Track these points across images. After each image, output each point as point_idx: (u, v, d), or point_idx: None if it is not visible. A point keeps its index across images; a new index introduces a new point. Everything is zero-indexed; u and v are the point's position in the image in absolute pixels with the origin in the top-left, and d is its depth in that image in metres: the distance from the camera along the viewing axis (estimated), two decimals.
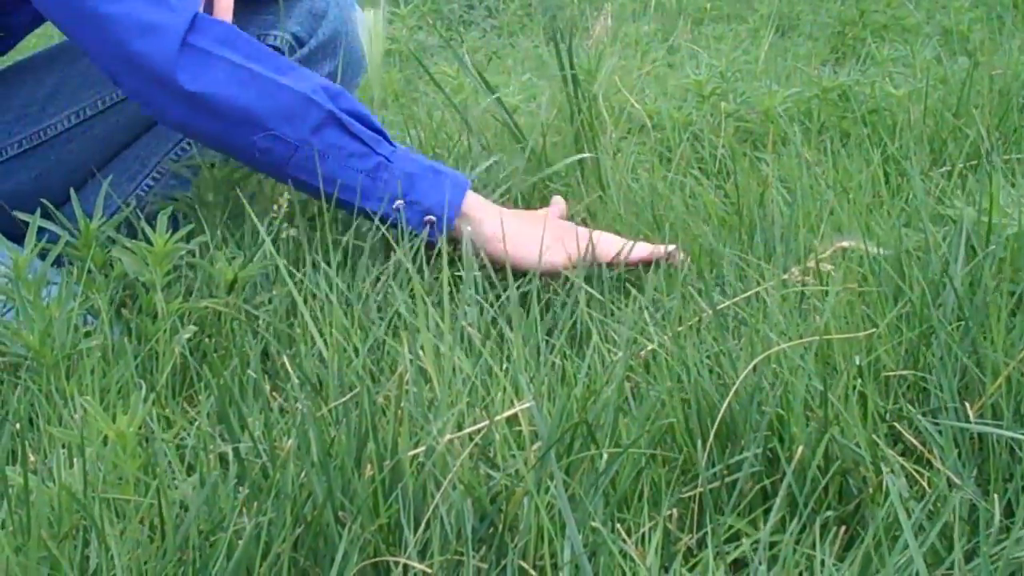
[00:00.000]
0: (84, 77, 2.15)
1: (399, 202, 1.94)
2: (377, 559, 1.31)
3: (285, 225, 1.93)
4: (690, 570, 1.30)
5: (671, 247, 1.92)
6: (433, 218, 1.94)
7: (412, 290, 1.70)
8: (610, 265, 1.91)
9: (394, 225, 1.94)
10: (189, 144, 2.13)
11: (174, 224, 1.88)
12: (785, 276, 1.73)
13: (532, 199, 2.11)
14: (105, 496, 1.31)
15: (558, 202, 2.06)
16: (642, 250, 1.92)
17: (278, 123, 1.94)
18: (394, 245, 1.89)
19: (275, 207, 1.91)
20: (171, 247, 1.73)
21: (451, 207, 1.95)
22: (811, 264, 1.74)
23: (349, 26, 2.21)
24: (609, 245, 1.93)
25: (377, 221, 1.95)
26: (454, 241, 1.96)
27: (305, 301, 1.71)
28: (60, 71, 2.16)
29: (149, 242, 1.74)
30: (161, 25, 1.89)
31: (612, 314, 1.77)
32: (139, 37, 1.89)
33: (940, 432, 1.44)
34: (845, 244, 1.78)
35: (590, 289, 1.81)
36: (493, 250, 1.94)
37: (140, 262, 1.73)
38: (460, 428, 1.40)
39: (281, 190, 2.03)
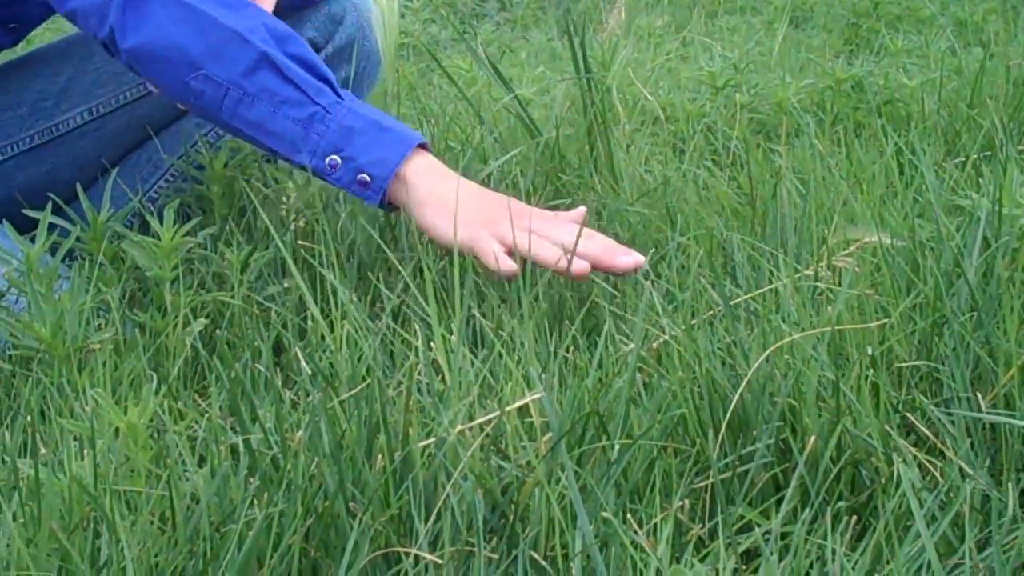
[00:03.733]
0: (99, 73, 2.14)
1: (332, 157, 1.80)
2: (388, 550, 1.31)
3: (293, 216, 1.92)
4: (701, 560, 1.29)
5: (630, 261, 1.74)
6: (367, 177, 1.80)
7: (423, 282, 1.70)
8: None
9: (335, 182, 1.80)
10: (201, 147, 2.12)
11: (183, 218, 1.88)
12: (808, 271, 1.72)
13: (545, 191, 2.10)
14: (116, 488, 1.31)
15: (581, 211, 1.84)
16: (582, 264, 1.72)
17: (208, 62, 1.81)
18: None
19: (284, 198, 1.90)
20: (178, 240, 1.72)
21: (385, 165, 1.78)
22: (836, 262, 1.74)
23: (366, 31, 2.18)
24: (546, 249, 1.73)
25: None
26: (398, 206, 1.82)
27: (315, 295, 1.71)
28: (74, 65, 2.16)
29: (157, 236, 1.74)
30: None
31: (624, 305, 1.76)
32: None
33: (953, 422, 1.43)
34: (868, 240, 1.77)
35: (603, 284, 1.81)
36: (414, 215, 1.79)
37: (149, 256, 1.73)
38: (471, 419, 1.40)
39: (288, 179, 2.02)
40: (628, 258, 1.73)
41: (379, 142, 1.79)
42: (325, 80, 1.83)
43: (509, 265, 1.72)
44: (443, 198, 1.77)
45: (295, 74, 1.81)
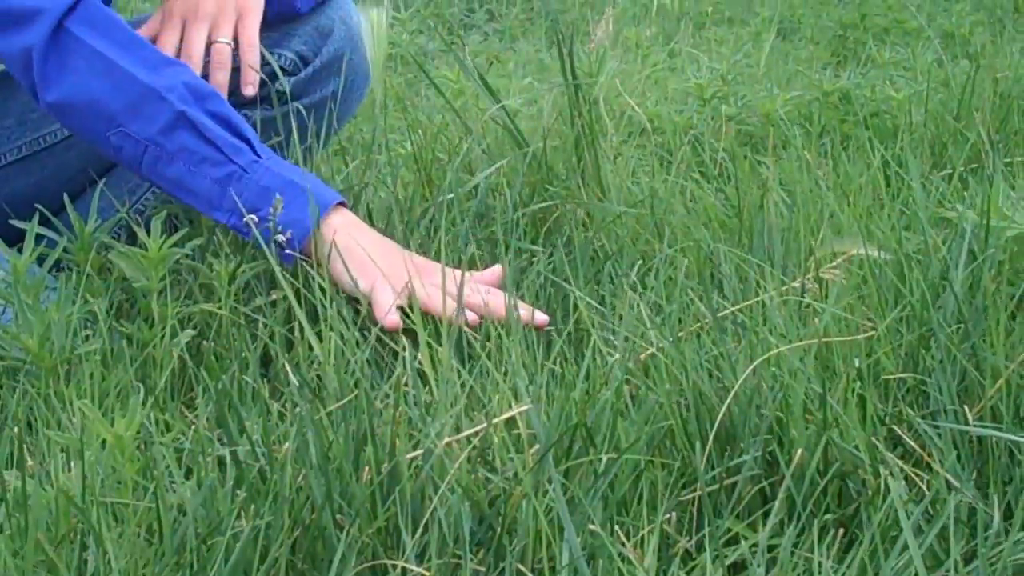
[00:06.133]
0: None
1: (249, 217, 1.80)
2: (375, 562, 1.31)
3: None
4: (688, 573, 1.30)
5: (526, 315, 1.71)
6: (283, 237, 1.80)
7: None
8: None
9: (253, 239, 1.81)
10: None
11: (170, 229, 1.88)
12: (795, 284, 1.72)
13: (531, 203, 2.10)
14: (103, 500, 1.31)
15: (494, 270, 1.84)
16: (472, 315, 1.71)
17: (128, 119, 1.85)
18: None
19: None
20: (166, 251, 1.72)
21: (301, 226, 1.81)
22: (823, 274, 1.74)
23: (355, 43, 2.18)
24: (437, 302, 1.71)
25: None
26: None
27: (303, 306, 1.71)
28: None
29: (144, 247, 1.73)
30: (40, 8, 1.86)
31: (612, 317, 1.76)
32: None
33: (939, 435, 1.44)
34: (854, 252, 1.77)
35: (588, 299, 1.81)
36: (327, 268, 1.80)
37: (136, 267, 1.73)
38: (458, 431, 1.40)
39: None
40: (525, 312, 1.72)
41: (295, 203, 1.82)
42: (243, 139, 1.85)
43: (392, 320, 1.73)
44: (353, 252, 1.80)
45: (213, 133, 1.84)
